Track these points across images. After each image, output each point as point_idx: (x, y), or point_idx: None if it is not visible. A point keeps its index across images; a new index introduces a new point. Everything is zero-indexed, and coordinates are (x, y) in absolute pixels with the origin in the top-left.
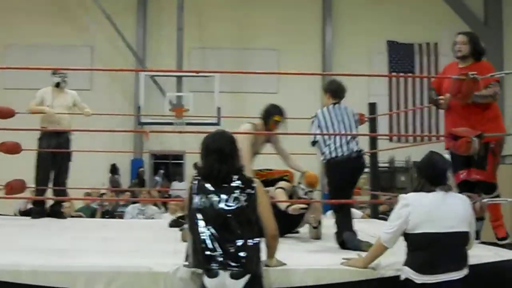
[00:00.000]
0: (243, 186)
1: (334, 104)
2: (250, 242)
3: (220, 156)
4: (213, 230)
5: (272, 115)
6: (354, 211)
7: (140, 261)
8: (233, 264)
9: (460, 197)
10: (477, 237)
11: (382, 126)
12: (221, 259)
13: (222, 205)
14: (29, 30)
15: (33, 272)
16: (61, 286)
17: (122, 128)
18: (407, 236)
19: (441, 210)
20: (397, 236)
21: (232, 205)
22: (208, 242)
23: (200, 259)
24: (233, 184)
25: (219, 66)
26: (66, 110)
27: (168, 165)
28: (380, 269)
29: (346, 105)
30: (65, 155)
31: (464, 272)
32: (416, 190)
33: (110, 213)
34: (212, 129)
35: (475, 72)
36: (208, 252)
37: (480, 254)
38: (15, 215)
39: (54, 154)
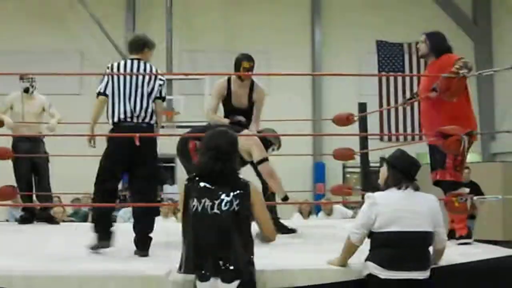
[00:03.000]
0: (236, 189)
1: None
2: (242, 245)
3: (216, 154)
4: (205, 234)
5: (240, 63)
6: (344, 210)
7: (133, 265)
8: (224, 267)
9: (427, 196)
10: (469, 236)
11: (373, 126)
12: (213, 263)
13: (215, 210)
14: (17, 35)
15: (25, 277)
16: None
17: None
18: (372, 234)
19: (407, 209)
20: (365, 234)
21: (225, 209)
22: (201, 246)
23: (192, 264)
24: (226, 186)
25: (209, 68)
26: (35, 116)
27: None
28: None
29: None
30: (43, 159)
31: (427, 274)
32: (389, 185)
33: None
34: None
35: (466, 71)
36: (200, 256)
37: (469, 252)
38: (7, 221)
39: (32, 159)
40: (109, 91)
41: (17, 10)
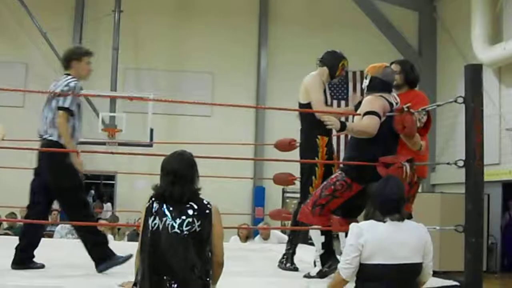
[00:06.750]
0: (197, 210)
1: None
2: (200, 267)
3: (174, 177)
4: (164, 253)
5: (341, 60)
6: (281, 235)
7: (66, 280)
8: None
9: (415, 226)
10: None
11: None
12: (170, 283)
13: (175, 229)
14: None
15: None
16: None
17: None
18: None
19: (394, 240)
20: (356, 267)
21: (186, 229)
22: (158, 265)
23: (148, 283)
24: (188, 207)
25: (154, 87)
26: None
27: (99, 186)
28: None
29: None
30: None
31: None
32: (366, 218)
33: None
34: (144, 150)
35: (409, 104)
36: (157, 276)
37: None
38: None
39: None
40: None
41: None
